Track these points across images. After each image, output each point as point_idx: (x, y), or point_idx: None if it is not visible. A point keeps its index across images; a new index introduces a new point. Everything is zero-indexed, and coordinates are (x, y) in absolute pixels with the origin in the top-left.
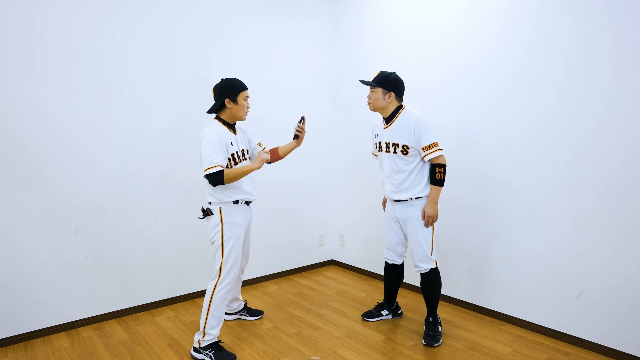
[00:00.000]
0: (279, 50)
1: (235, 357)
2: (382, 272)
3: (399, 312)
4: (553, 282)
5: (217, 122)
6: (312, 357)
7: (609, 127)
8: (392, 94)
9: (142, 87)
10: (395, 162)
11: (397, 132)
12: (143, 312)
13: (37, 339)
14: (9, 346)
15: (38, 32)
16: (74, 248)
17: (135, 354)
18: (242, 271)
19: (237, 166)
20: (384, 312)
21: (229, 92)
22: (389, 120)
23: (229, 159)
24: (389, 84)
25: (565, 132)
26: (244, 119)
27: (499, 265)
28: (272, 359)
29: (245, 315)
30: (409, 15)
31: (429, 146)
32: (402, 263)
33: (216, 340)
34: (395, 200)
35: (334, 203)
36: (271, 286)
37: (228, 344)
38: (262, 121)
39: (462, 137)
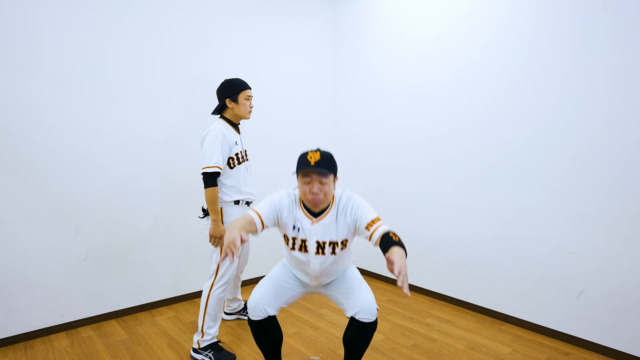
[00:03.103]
0: (278, 50)
1: (235, 357)
2: (381, 271)
3: None
4: (553, 282)
5: (222, 121)
6: (312, 357)
7: (609, 128)
8: (337, 179)
9: (142, 87)
10: (327, 260)
11: (334, 228)
12: (143, 312)
13: (37, 339)
14: (9, 346)
15: (38, 32)
16: (74, 248)
17: (135, 354)
18: (241, 272)
19: (240, 167)
20: None
21: (229, 92)
22: (319, 213)
23: (232, 157)
24: (335, 166)
25: (565, 132)
26: (248, 118)
27: (499, 265)
28: None
29: (245, 316)
30: (409, 15)
31: (373, 221)
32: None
33: (215, 340)
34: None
35: None
36: None
37: (228, 344)
38: (262, 120)
39: (462, 136)
